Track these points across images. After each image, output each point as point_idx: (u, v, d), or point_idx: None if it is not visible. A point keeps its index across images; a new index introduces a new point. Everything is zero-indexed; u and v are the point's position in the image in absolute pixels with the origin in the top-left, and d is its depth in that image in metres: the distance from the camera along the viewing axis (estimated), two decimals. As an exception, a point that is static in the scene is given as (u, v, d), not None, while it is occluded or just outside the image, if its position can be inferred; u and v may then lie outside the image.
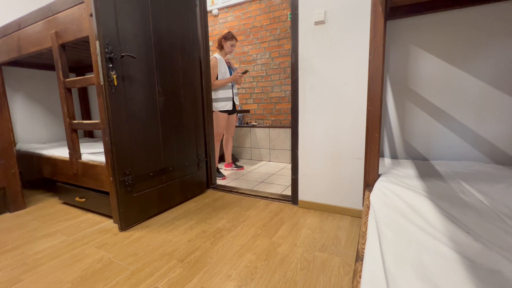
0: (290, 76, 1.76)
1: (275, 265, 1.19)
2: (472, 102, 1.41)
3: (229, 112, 2.71)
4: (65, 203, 2.04)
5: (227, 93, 2.64)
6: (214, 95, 2.61)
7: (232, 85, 2.70)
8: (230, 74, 2.68)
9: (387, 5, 1.22)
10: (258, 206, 1.89)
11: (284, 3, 3.37)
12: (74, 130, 1.82)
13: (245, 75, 2.76)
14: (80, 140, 2.64)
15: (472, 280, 0.52)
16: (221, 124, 2.65)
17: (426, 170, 1.30)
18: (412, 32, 1.50)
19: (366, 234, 0.79)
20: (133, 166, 1.59)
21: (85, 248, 1.38)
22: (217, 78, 2.59)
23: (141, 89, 1.61)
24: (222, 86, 2.61)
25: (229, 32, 2.63)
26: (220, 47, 2.68)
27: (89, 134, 3.19)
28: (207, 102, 2.26)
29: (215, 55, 2.61)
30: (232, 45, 2.65)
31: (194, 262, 1.22)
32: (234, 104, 2.74)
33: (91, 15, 1.39)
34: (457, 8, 1.38)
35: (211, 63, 2.50)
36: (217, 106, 2.62)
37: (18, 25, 1.90)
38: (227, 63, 2.70)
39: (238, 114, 3.72)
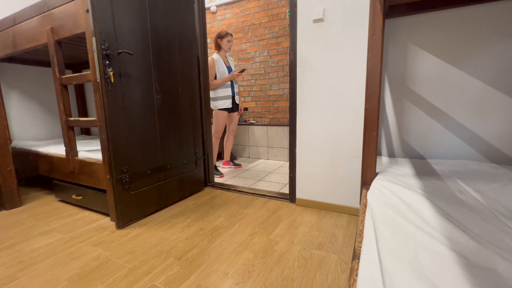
0: (289, 74, 1.76)
1: (273, 263, 1.20)
2: (470, 101, 1.42)
3: (229, 110, 2.73)
4: (61, 200, 2.03)
5: (226, 91, 2.66)
6: (214, 94, 2.63)
7: (232, 84, 2.71)
8: (229, 73, 2.69)
9: (386, 3, 1.22)
10: (256, 204, 1.89)
11: (282, 1, 3.35)
12: (71, 127, 1.80)
13: (242, 74, 2.82)
14: (76, 138, 2.61)
15: (467, 278, 0.53)
16: (220, 122, 2.67)
17: (423, 169, 1.30)
18: (410, 30, 1.50)
19: (363, 232, 0.79)
20: (130, 163, 1.58)
21: (82, 246, 1.37)
22: (215, 78, 2.60)
23: (138, 86, 1.60)
24: (221, 85, 2.63)
25: (222, 30, 2.64)
26: (218, 47, 2.68)
27: (86, 132, 3.17)
28: (205, 100, 2.25)
29: (213, 56, 2.61)
30: (229, 41, 2.65)
31: (192, 260, 1.22)
32: (234, 103, 2.76)
33: (87, 10, 1.37)
34: (455, 7, 1.38)
35: (209, 64, 2.50)
36: (216, 104, 2.64)
37: (13, 21, 1.88)
38: (226, 62, 2.70)
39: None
